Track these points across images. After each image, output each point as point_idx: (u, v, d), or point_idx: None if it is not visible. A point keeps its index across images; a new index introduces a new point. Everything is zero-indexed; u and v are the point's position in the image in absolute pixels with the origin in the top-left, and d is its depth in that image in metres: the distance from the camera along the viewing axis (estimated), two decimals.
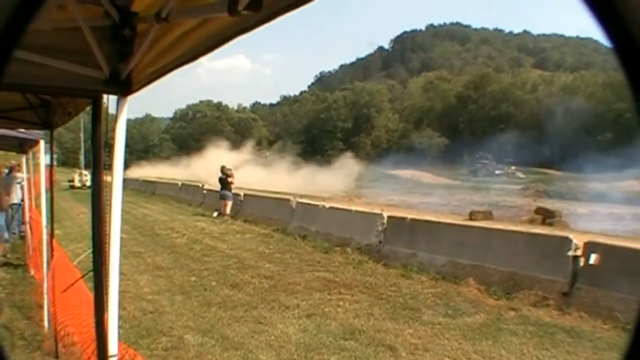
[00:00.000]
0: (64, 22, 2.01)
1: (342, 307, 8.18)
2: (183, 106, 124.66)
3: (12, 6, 0.63)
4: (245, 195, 21.23)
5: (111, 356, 2.66)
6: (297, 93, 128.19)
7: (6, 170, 13.70)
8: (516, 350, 6.27)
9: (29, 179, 12.70)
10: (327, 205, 15.95)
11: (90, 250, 2.76)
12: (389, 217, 12.59)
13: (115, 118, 2.51)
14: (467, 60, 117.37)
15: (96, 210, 2.65)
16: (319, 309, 8.07)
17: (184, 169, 73.52)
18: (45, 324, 6.64)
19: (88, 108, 3.37)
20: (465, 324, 7.33)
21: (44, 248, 7.14)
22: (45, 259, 7.04)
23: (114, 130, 2.51)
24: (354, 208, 15.92)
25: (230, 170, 21.22)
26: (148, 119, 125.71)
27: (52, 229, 6.50)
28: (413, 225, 11.83)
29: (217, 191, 21.40)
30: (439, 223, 12.04)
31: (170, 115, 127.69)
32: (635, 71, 0.59)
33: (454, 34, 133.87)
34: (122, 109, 2.49)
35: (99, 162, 2.62)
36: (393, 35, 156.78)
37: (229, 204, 20.30)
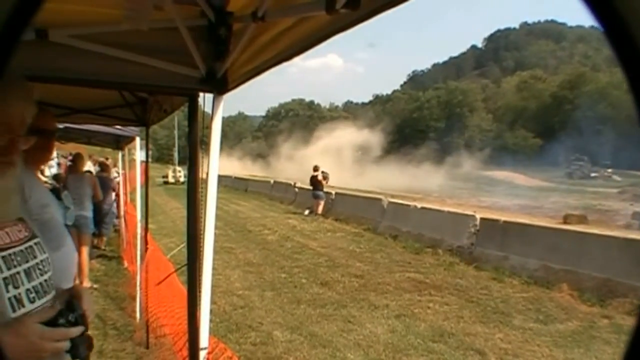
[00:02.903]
0: (161, 22, 2.05)
1: (432, 309, 8.05)
2: (275, 104, 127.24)
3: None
4: (336, 194, 21.31)
5: (202, 349, 2.70)
6: (389, 92, 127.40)
7: (97, 168, 13.45)
8: None
9: (124, 175, 12.95)
10: (419, 205, 15.74)
11: (184, 244, 2.83)
12: (481, 218, 12.30)
13: (210, 116, 2.55)
14: (562, 59, 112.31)
15: (191, 205, 2.67)
16: (409, 310, 7.97)
17: (277, 167, 75.00)
18: (137, 315, 6.72)
19: (183, 106, 3.47)
20: (556, 331, 7.09)
21: (138, 241, 7.25)
22: (139, 252, 7.15)
23: (209, 128, 2.55)
24: (446, 209, 15.60)
25: (325, 172, 21.44)
26: (241, 117, 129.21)
27: (146, 223, 6.55)
28: (506, 227, 11.49)
29: (308, 189, 21.59)
30: (532, 226, 11.67)
31: (263, 113, 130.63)
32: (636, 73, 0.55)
33: (549, 32, 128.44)
34: (218, 107, 2.51)
35: (195, 159, 2.62)
36: (486, 34, 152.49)
37: (322, 203, 20.44)
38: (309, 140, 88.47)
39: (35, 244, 1.41)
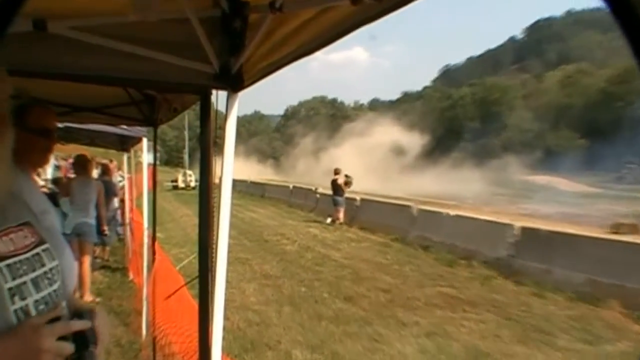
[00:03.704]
0: (171, 13, 2.03)
1: (466, 327, 7.99)
2: (295, 103, 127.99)
3: None
4: (361, 200, 21.31)
5: None
6: (419, 89, 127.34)
7: (98, 171, 12.49)
8: None
9: (130, 179, 12.95)
10: (452, 213, 15.65)
11: (195, 255, 2.81)
12: (521, 227, 12.20)
13: (224, 115, 2.53)
14: (611, 51, 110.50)
15: (203, 212, 2.68)
16: (441, 328, 7.92)
17: (296, 171, 75.23)
18: (144, 331, 6.66)
19: (194, 105, 3.46)
20: (605, 352, 7.01)
21: (145, 251, 7.20)
22: (145, 263, 7.09)
23: (222, 128, 2.52)
24: (482, 217, 15.50)
25: (348, 176, 21.49)
26: (257, 117, 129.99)
27: (154, 232, 6.45)
28: (548, 237, 11.37)
29: (331, 195, 21.66)
30: (578, 236, 11.53)
31: (281, 112, 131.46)
32: None
33: (596, 21, 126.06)
34: (233, 106, 2.49)
35: (208, 162, 2.63)
36: (526, 24, 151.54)
37: (341, 209, 20.47)
38: (331, 141, 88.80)
39: (44, 250, 1.38)
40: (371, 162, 71.50)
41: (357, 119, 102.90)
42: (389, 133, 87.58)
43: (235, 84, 2.44)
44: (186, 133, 72.26)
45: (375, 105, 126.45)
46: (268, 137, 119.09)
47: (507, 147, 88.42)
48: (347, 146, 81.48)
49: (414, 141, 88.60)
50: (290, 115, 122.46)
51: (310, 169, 71.91)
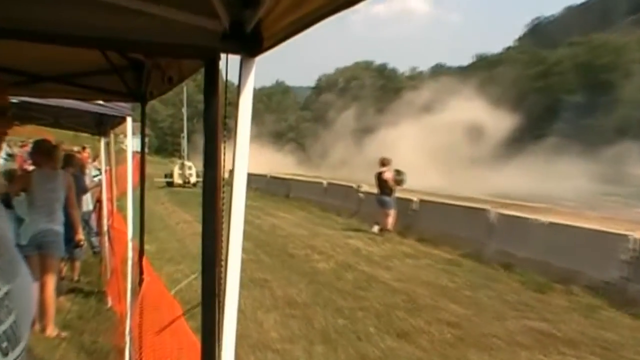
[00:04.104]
0: None
1: None
2: (330, 71, 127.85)
3: None
4: (420, 201, 21.23)
5: None
6: (499, 50, 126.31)
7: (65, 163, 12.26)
8: None
9: (109, 172, 12.52)
10: (544, 220, 15.49)
11: (196, 275, 2.83)
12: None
13: (236, 88, 2.50)
14: None
15: (208, 218, 2.63)
16: None
17: (332, 162, 75.11)
18: None
19: (196, 74, 3.45)
20: None
21: (129, 270, 7.21)
22: (129, 285, 7.11)
23: (234, 105, 2.50)
24: (586, 225, 15.32)
25: (400, 172, 21.33)
26: (280, 89, 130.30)
27: (141, 244, 6.28)
28: None
29: (377, 195, 21.49)
30: None
31: (312, 83, 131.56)
32: None
33: None
34: (248, 75, 2.47)
35: (214, 151, 2.57)
36: None
37: (391, 214, 20.45)
38: (379, 122, 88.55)
39: None
40: (434, 149, 71.14)
41: (415, 92, 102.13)
42: (457, 111, 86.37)
43: (250, 45, 2.41)
44: (184, 111, 72.23)
45: (439, 73, 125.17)
46: (294, 116, 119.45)
47: (621, 130, 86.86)
48: (401, 128, 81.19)
49: (492, 122, 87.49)
50: (324, 87, 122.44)
51: (351, 160, 71.72)
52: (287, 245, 18.11)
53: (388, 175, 20.78)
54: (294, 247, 17.73)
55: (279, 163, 68.97)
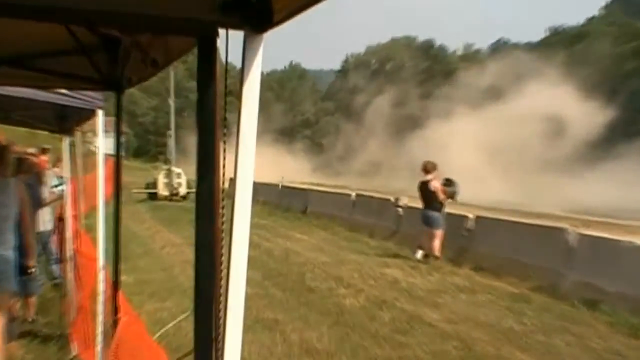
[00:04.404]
0: None
1: None
2: (360, 50, 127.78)
3: None
4: (478, 218, 21.21)
5: None
6: (579, 21, 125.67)
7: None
8: None
9: (74, 181, 12.26)
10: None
11: (187, 314, 2.84)
12: None
13: (239, 72, 2.48)
14: None
15: (203, 240, 2.64)
16: None
17: (361, 167, 74.97)
18: None
19: (187, 54, 3.43)
20: None
21: (99, 306, 7.20)
22: (100, 327, 7.09)
23: (237, 94, 2.48)
24: None
25: (450, 180, 21.19)
26: (294, 74, 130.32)
27: (116, 274, 6.22)
28: None
29: (421, 210, 21.41)
30: None
31: (336, 65, 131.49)
32: None
33: None
34: (254, 56, 2.47)
35: (211, 153, 2.55)
36: None
37: (439, 234, 20.36)
38: (425, 114, 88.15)
39: None
40: (496, 150, 70.36)
41: (471, 75, 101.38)
42: (527, 100, 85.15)
43: (257, 18, 2.40)
44: (172, 103, 71.77)
45: (502, 52, 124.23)
46: (313, 107, 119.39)
47: None
48: (453, 123, 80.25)
49: (571, 114, 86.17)
50: (352, 69, 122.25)
51: (387, 164, 71.61)
52: (305, 275, 18.08)
53: (435, 184, 20.60)
54: (314, 278, 17.71)
55: (294, 169, 69.09)
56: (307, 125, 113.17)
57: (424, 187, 20.80)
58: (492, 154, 66.33)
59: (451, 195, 20.85)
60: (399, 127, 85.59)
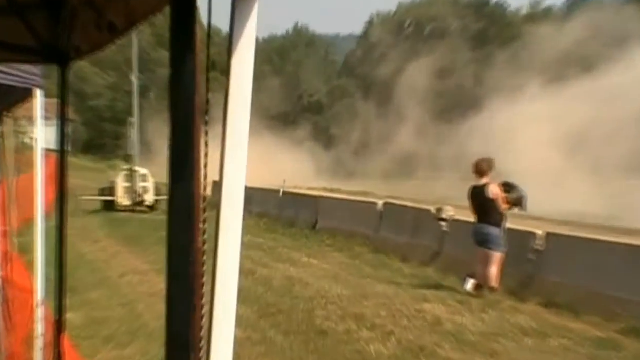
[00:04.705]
0: None
1: None
2: (389, 8, 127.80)
3: None
4: (549, 236, 21.09)
5: None
6: None
7: None
8: None
9: (2, 185, 12.03)
10: None
11: None
12: None
13: (226, 37, 2.48)
14: None
15: (178, 266, 2.60)
16: None
17: (388, 166, 75.03)
18: None
19: (154, 13, 3.40)
20: None
21: (37, 355, 7.23)
22: None
23: (223, 68, 2.47)
24: None
25: (510, 184, 20.94)
26: (301, 40, 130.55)
27: (60, 310, 5.91)
28: None
29: (471, 223, 21.34)
30: None
31: (355, 30, 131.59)
32: None
33: None
34: (248, 17, 2.46)
35: (190, 148, 2.51)
36: None
37: (497, 258, 20.12)
38: (478, 93, 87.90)
39: None
40: (579, 143, 69.82)
41: (541, 41, 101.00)
42: (621, 73, 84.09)
43: None
44: (135, 80, 71.44)
45: (583, 9, 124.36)
46: (325, 85, 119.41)
47: None
48: (517, 106, 79.47)
49: None
50: (379, 34, 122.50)
51: (424, 162, 71.39)
52: (315, 313, 17.97)
53: (495, 190, 20.26)
54: (327, 318, 17.61)
55: (299, 169, 69.01)
56: (317, 110, 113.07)
57: (478, 194, 20.48)
58: (573, 148, 65.49)
59: (517, 203, 20.55)
60: (442, 111, 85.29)
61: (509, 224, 20.55)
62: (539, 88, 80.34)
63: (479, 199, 20.39)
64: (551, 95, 77.16)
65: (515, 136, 54.59)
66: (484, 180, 20.37)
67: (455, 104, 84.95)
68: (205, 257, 2.58)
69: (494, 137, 50.92)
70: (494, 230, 20.06)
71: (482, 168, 20.56)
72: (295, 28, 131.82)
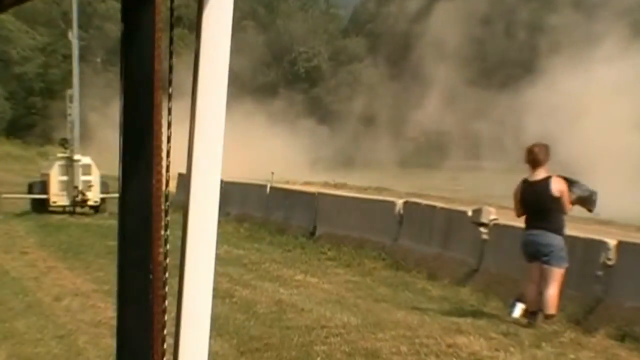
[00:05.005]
0: None
1: None
2: None
3: None
4: (622, 245, 20.99)
5: None
6: None
7: None
8: None
9: None
10: None
11: None
12: None
13: None
14: None
15: (132, 283, 2.57)
16: None
17: (411, 156, 75.31)
18: None
19: None
20: None
21: None
22: None
23: (190, 24, 2.51)
24: None
25: (572, 180, 20.65)
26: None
27: None
28: None
29: (519, 228, 21.18)
30: None
31: None
32: None
33: None
34: None
35: (149, 129, 2.47)
36: None
37: (557, 275, 19.90)
38: (528, 57, 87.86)
39: None
40: None
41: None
42: None
43: None
44: (74, 41, 70.80)
45: None
46: (325, 46, 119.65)
47: None
48: (584, 75, 78.83)
49: None
50: None
51: (455, 148, 71.47)
52: (313, 348, 17.94)
53: (559, 186, 19.96)
54: (329, 354, 17.59)
55: (291, 157, 69.07)
56: (314, 79, 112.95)
57: (533, 191, 20.11)
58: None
59: (586, 203, 20.34)
60: (480, 76, 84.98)
61: (571, 230, 20.30)
62: (618, 45, 79.22)
63: (535, 197, 19.97)
64: (635, 54, 75.67)
65: (584, 112, 54.28)
66: (540, 172, 20.01)
67: (499, 65, 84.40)
68: (167, 274, 2.55)
69: (554, 113, 50.50)
70: (555, 239, 19.72)
71: (537, 156, 20.12)
72: None
